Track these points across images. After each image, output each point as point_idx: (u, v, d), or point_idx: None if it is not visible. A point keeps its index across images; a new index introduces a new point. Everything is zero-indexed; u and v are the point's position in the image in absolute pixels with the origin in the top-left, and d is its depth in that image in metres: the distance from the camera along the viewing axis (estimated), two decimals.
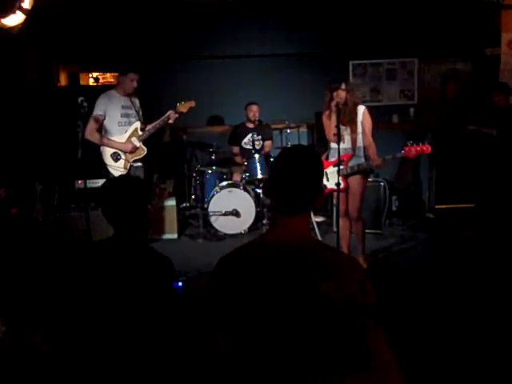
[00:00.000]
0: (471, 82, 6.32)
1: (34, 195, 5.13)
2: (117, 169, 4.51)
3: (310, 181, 1.50)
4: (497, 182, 5.28)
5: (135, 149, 4.58)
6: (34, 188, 5.13)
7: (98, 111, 4.44)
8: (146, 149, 4.63)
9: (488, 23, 5.80)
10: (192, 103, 4.68)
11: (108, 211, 1.98)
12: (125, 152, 4.55)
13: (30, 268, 3.93)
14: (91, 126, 4.43)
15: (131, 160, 4.58)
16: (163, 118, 4.61)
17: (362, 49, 6.47)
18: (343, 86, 3.97)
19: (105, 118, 4.48)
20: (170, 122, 4.65)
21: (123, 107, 4.56)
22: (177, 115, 4.64)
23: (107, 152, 4.53)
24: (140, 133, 4.62)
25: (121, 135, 4.56)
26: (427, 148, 3.95)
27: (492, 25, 5.69)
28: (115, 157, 4.53)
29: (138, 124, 4.62)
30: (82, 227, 4.04)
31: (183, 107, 4.65)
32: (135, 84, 4.54)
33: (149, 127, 4.65)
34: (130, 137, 4.58)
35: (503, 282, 3.72)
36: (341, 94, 3.95)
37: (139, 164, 4.67)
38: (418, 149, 3.93)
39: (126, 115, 4.58)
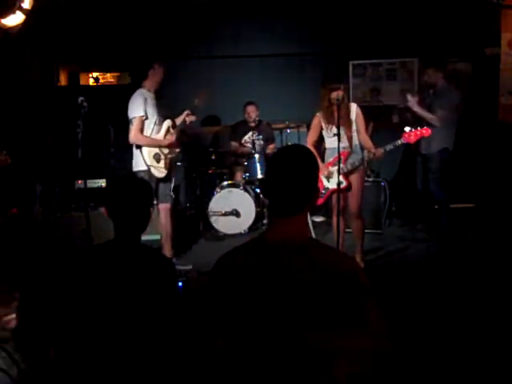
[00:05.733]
0: (471, 82, 6.32)
1: (34, 195, 5.13)
2: (159, 169, 4.35)
3: (304, 180, 1.50)
4: (497, 182, 5.28)
5: (176, 144, 4.51)
6: (34, 188, 5.13)
7: (139, 112, 4.23)
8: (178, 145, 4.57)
9: (488, 23, 5.80)
10: (203, 94, 4.65)
11: (114, 209, 1.98)
12: (165, 151, 4.43)
13: (31, 268, 3.93)
14: (136, 127, 4.23)
15: (169, 160, 4.46)
16: (183, 115, 4.61)
17: (362, 49, 6.47)
18: (342, 87, 3.98)
19: (147, 118, 4.30)
20: (188, 123, 4.63)
21: (155, 105, 4.39)
22: (193, 118, 4.63)
23: (150, 152, 4.33)
24: (172, 131, 4.51)
25: (157, 135, 4.40)
26: (427, 130, 3.94)
27: (492, 25, 5.68)
28: (157, 157, 4.36)
29: (169, 123, 4.49)
30: (82, 227, 4.03)
31: (200, 100, 4.63)
32: (164, 72, 4.46)
33: (178, 123, 4.58)
34: (165, 136, 4.46)
35: (503, 282, 3.72)
36: (340, 94, 3.96)
37: (179, 163, 4.60)
38: (418, 133, 3.91)
39: (158, 113, 4.41)
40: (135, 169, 4.37)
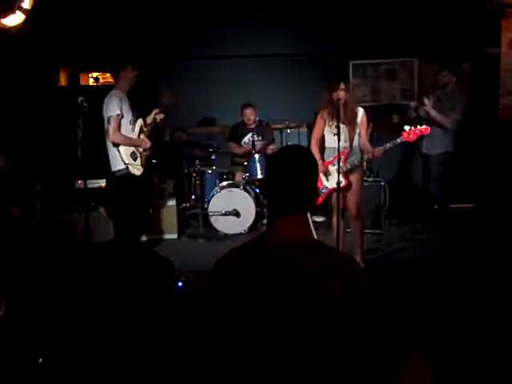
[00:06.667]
0: (471, 82, 6.31)
1: (34, 195, 5.13)
2: (136, 167, 4.52)
3: (303, 180, 1.50)
4: (497, 182, 5.27)
5: (150, 145, 4.67)
6: (34, 188, 5.13)
7: (115, 111, 4.36)
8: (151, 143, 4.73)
9: (488, 23, 5.79)
10: (173, 95, 4.89)
11: (114, 210, 1.97)
12: (140, 150, 4.60)
13: (31, 268, 3.93)
14: (114, 126, 4.36)
15: (144, 157, 4.63)
16: (153, 114, 4.77)
17: (362, 49, 6.47)
18: (342, 86, 3.96)
19: (122, 117, 4.43)
20: (158, 121, 4.80)
21: (129, 105, 4.54)
22: (162, 115, 4.78)
23: (127, 151, 4.49)
24: (145, 129, 4.70)
25: (131, 134, 4.56)
26: (426, 129, 3.95)
27: (492, 25, 5.68)
28: (134, 156, 4.53)
29: (141, 121, 4.66)
30: (82, 227, 4.04)
31: (166, 98, 4.89)
32: (136, 76, 4.55)
33: (148, 122, 4.75)
34: (139, 134, 4.63)
35: (503, 282, 3.72)
36: (340, 94, 3.94)
37: (155, 161, 4.90)
38: (417, 131, 3.93)
39: (133, 113, 4.58)
40: (114, 169, 4.51)
